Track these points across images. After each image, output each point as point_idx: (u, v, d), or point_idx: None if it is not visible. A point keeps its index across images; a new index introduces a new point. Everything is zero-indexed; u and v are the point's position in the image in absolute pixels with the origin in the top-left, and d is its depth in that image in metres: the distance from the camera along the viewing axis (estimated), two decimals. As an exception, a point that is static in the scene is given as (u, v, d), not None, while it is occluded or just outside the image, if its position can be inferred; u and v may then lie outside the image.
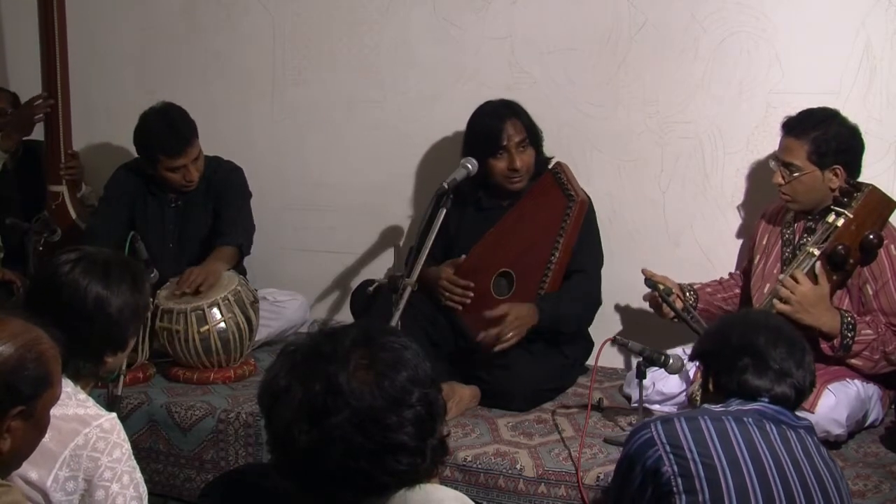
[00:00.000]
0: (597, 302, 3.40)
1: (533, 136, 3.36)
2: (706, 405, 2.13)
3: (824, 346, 2.83)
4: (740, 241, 3.47)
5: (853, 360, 2.84)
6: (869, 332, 2.83)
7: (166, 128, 3.56)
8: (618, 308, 3.62)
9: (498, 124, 3.31)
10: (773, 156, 3.05)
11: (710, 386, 2.18)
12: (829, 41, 3.30)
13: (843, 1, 3.28)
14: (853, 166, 2.97)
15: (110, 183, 3.80)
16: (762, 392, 2.08)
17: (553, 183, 3.32)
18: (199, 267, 3.47)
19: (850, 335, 2.80)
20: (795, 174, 2.95)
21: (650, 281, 3.04)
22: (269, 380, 1.48)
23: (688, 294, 3.18)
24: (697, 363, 2.35)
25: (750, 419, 2.03)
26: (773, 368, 2.09)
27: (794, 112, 3.03)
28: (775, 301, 2.79)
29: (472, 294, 3.30)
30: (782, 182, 2.98)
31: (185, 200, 3.74)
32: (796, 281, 2.78)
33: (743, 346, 2.12)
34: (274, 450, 1.49)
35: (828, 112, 2.99)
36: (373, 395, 1.41)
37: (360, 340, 1.46)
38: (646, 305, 3.20)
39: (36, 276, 2.17)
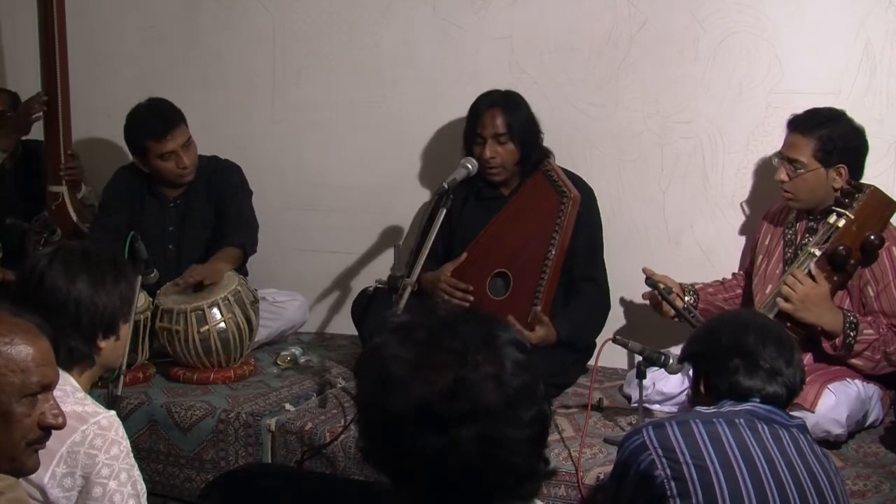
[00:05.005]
0: (608, 308, 3.41)
1: (518, 133, 3.33)
2: (698, 407, 2.13)
3: (826, 344, 2.83)
4: (741, 241, 3.47)
5: (854, 360, 2.84)
6: (871, 331, 2.83)
7: (150, 113, 3.59)
8: (618, 308, 3.62)
9: (478, 113, 3.34)
10: (778, 153, 3.02)
11: (702, 388, 2.18)
12: (829, 41, 3.30)
13: (843, 1, 3.28)
14: (857, 167, 2.96)
15: (107, 188, 3.79)
16: (753, 392, 2.08)
17: (545, 181, 3.31)
18: (202, 265, 3.47)
19: (852, 334, 2.80)
20: (800, 171, 2.93)
21: (650, 280, 3.03)
22: (379, 359, 1.33)
23: (688, 295, 3.17)
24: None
25: (741, 420, 2.03)
26: (764, 368, 2.09)
27: (793, 112, 3.03)
28: (778, 300, 2.80)
29: (471, 298, 3.30)
30: (786, 179, 2.97)
31: (185, 201, 3.72)
32: (797, 279, 2.78)
33: (733, 347, 2.12)
34: (373, 438, 1.36)
35: (835, 112, 2.99)
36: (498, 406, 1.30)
37: (483, 340, 1.33)
38: (646, 305, 3.20)
39: (19, 272, 2.18)
